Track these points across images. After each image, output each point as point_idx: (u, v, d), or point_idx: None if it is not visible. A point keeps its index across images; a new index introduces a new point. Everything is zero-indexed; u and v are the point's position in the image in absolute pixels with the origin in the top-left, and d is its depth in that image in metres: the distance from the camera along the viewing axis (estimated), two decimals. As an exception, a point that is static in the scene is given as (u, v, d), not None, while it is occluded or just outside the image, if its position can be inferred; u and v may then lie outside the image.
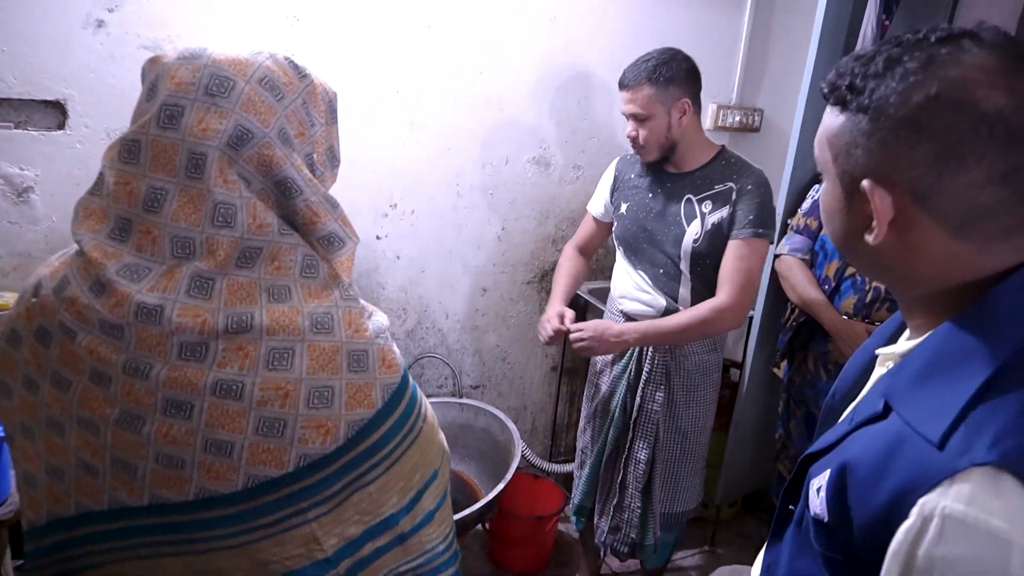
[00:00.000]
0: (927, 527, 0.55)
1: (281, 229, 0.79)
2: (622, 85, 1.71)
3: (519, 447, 2.14)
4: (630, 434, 1.84)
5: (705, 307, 1.70)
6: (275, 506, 0.76)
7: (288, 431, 0.74)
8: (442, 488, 0.89)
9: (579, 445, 2.05)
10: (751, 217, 1.69)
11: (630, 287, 1.83)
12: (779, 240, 2.20)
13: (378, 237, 2.20)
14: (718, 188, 1.72)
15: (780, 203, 2.20)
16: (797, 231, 2.15)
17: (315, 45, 1.93)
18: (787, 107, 2.46)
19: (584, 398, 2.04)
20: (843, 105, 0.65)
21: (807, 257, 2.11)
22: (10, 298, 1.68)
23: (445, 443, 0.92)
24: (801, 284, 2.06)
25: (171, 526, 0.76)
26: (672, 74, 1.66)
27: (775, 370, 2.29)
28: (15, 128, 1.70)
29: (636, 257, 1.81)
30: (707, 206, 1.71)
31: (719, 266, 1.75)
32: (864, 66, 0.63)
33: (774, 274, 2.22)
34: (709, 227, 1.70)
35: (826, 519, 0.67)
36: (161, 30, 1.76)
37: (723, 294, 1.70)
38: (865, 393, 0.75)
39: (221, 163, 0.75)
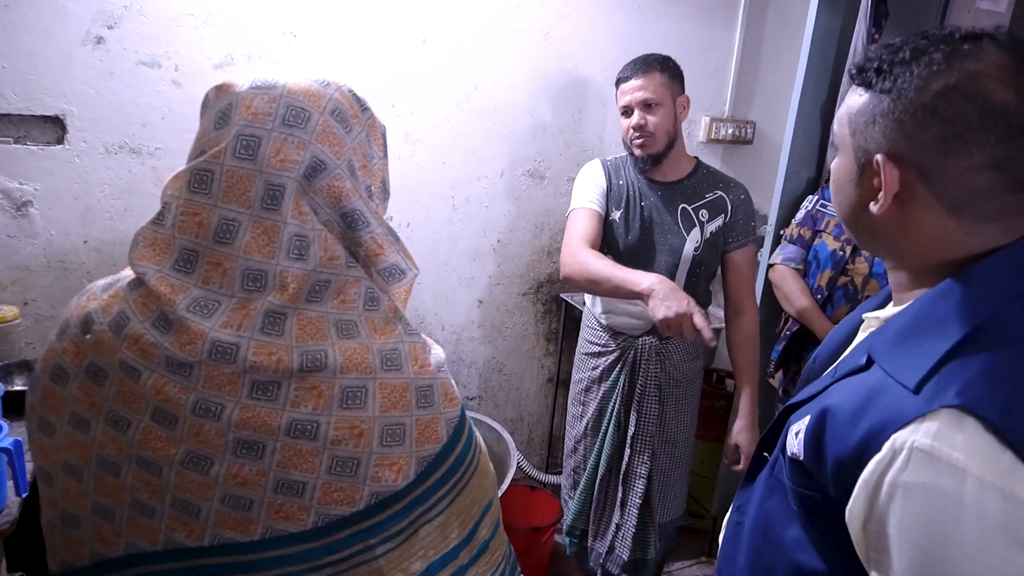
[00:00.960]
0: (896, 458, 0.63)
1: (348, 262, 0.79)
2: (626, 77, 1.69)
3: (515, 458, 2.15)
4: (627, 450, 1.82)
5: (751, 331, 1.80)
6: (344, 544, 0.76)
7: (362, 470, 0.74)
8: (495, 517, 0.90)
9: (569, 465, 2.00)
10: (752, 225, 1.79)
11: (616, 300, 1.80)
12: (773, 250, 2.22)
13: (374, 249, 2.21)
14: (709, 197, 1.75)
15: (772, 214, 2.22)
16: (791, 241, 2.17)
17: (311, 60, 1.95)
18: (779, 119, 2.49)
19: (569, 417, 1.99)
20: (868, 86, 0.71)
21: (800, 267, 2.12)
22: (8, 311, 1.70)
23: (494, 472, 0.93)
24: (795, 294, 2.08)
25: (232, 567, 0.75)
26: (676, 72, 1.72)
27: (770, 380, 2.30)
28: (14, 143, 1.72)
29: (629, 267, 1.79)
30: (704, 214, 1.74)
31: (709, 274, 1.77)
32: (893, 53, 0.69)
33: (768, 284, 2.23)
34: (708, 235, 1.73)
35: (802, 457, 0.75)
36: (160, 46, 1.78)
37: (750, 308, 1.82)
38: (849, 352, 0.83)
39: (297, 195, 0.75)
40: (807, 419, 0.76)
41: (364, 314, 0.79)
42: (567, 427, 2.02)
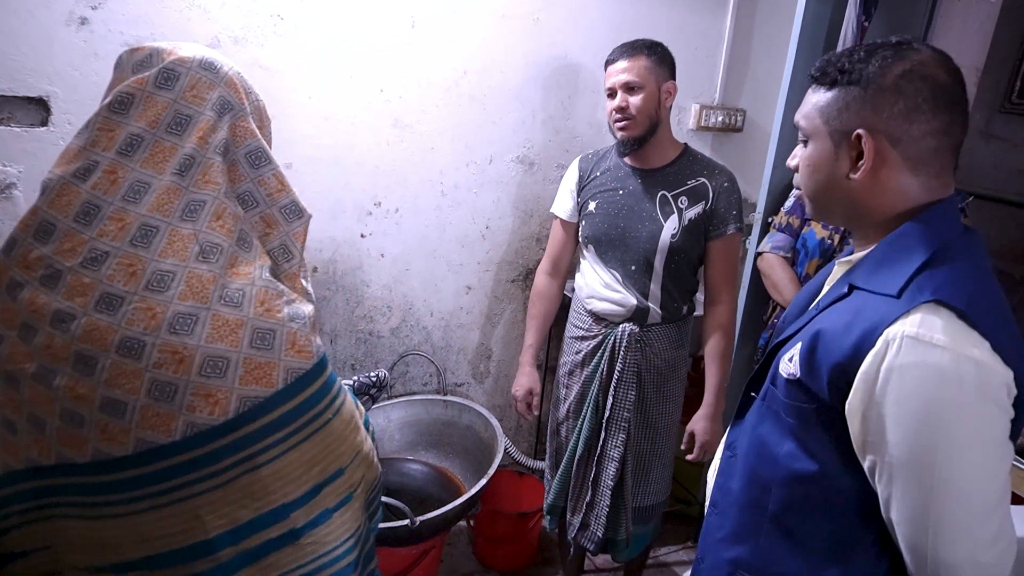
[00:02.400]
0: (889, 348, 0.80)
1: (227, 193, 0.84)
2: (612, 59, 1.71)
3: (502, 444, 2.16)
4: (603, 433, 1.84)
5: (724, 320, 1.80)
6: (162, 475, 0.76)
7: (179, 397, 0.75)
8: (347, 489, 0.88)
9: (552, 446, 2.04)
10: (734, 213, 1.74)
11: (599, 286, 1.82)
12: (761, 238, 2.23)
13: (362, 235, 2.21)
14: (691, 184, 1.74)
15: (761, 202, 2.23)
16: (779, 229, 2.17)
17: (298, 43, 1.94)
18: (768, 108, 2.49)
19: (554, 399, 2.02)
20: (832, 84, 0.89)
21: (789, 255, 2.13)
22: (-8, 294, 1.69)
23: (367, 448, 0.92)
24: (783, 282, 2.09)
25: (73, 488, 0.77)
26: (663, 56, 1.71)
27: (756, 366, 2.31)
28: (-2, 125, 1.71)
29: (607, 255, 1.80)
30: (683, 201, 1.73)
31: (690, 262, 1.77)
32: (848, 57, 0.88)
33: (756, 272, 2.24)
34: (687, 222, 1.72)
35: (798, 375, 0.91)
36: (145, 27, 1.77)
37: (726, 297, 1.80)
38: (827, 289, 1.00)
39: (204, 126, 0.81)
40: (799, 345, 0.92)
41: (234, 247, 0.82)
42: (551, 409, 2.04)
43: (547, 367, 2.65)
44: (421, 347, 2.43)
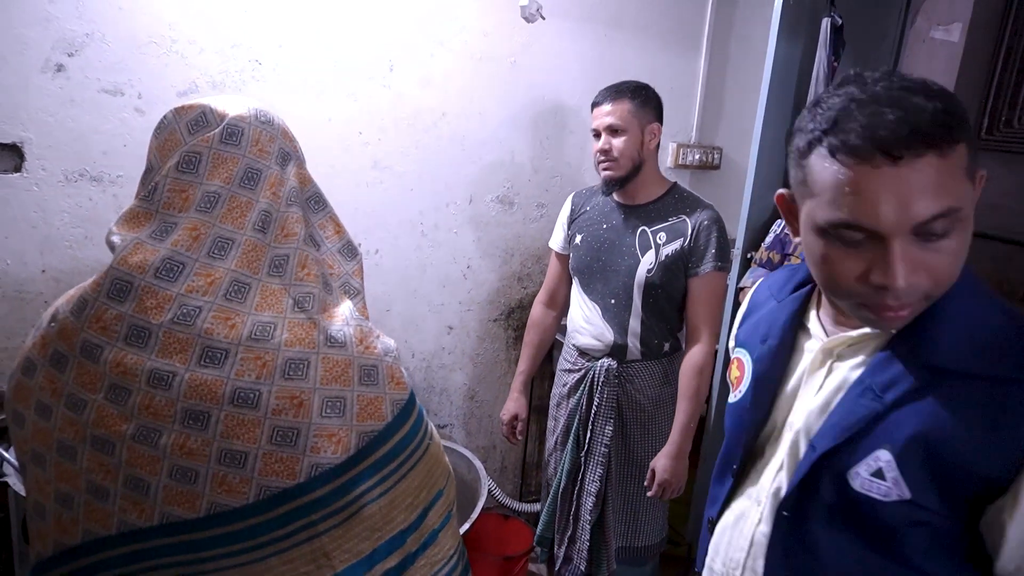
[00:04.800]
0: None
1: (305, 239, 0.85)
2: (598, 102, 1.76)
3: (485, 486, 2.12)
4: (583, 467, 1.83)
5: (698, 359, 1.75)
6: (286, 519, 0.76)
7: (301, 440, 0.76)
8: (447, 507, 0.92)
9: (544, 477, 2.06)
10: (713, 251, 1.73)
11: (581, 320, 1.85)
12: (743, 273, 2.24)
13: (342, 277, 2.19)
14: (672, 220, 1.75)
15: (740, 237, 2.24)
16: (760, 264, 2.18)
17: (276, 88, 1.95)
18: (744, 144, 2.52)
19: (546, 432, 2.04)
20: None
21: (769, 291, 2.14)
22: (-40, 343, 1.65)
23: (450, 465, 0.96)
24: (763, 318, 2.09)
25: (181, 546, 0.76)
26: (648, 99, 1.75)
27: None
28: (-29, 171, 1.69)
29: (589, 288, 1.83)
30: (661, 237, 1.74)
31: (671, 298, 1.77)
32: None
33: (738, 307, 2.24)
34: (663, 258, 1.73)
35: (908, 496, 0.73)
36: (122, 74, 1.77)
37: (704, 337, 1.77)
38: (872, 375, 0.78)
39: (273, 179, 0.83)
40: (883, 456, 0.74)
41: (321, 291, 0.84)
42: (546, 440, 2.06)
43: (531, 407, 2.62)
44: (403, 389, 2.39)
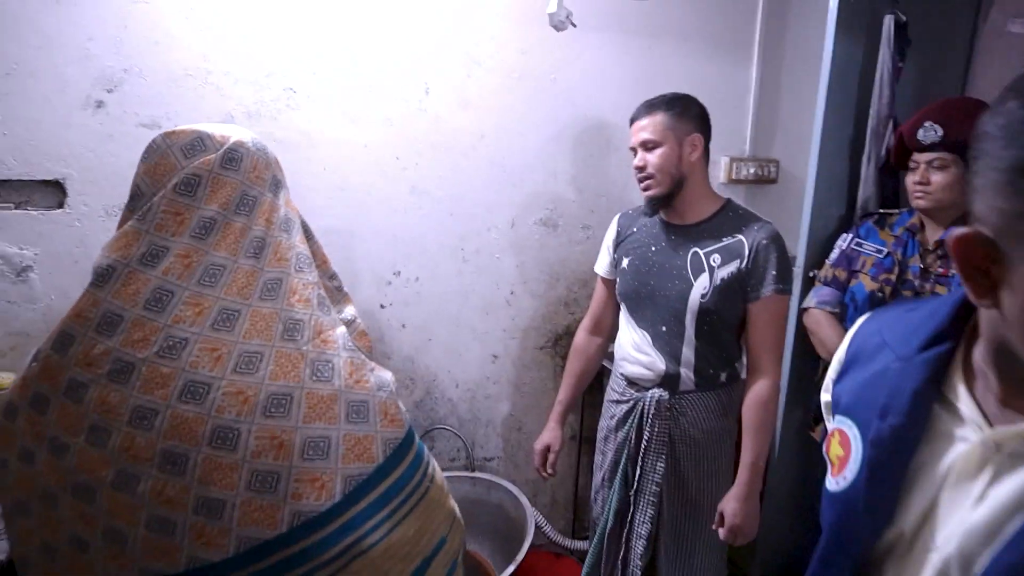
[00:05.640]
0: None
1: (297, 266, 0.82)
2: (634, 117, 1.66)
3: (532, 523, 2.01)
4: (631, 507, 1.70)
5: (762, 392, 1.60)
6: (268, 574, 0.70)
7: (282, 485, 0.70)
8: (451, 557, 0.84)
9: (592, 515, 1.92)
10: (773, 273, 1.59)
11: (630, 347, 1.72)
12: (805, 293, 2.08)
13: (382, 306, 2.15)
14: (727, 241, 1.62)
15: (800, 254, 2.09)
16: (825, 283, 2.03)
17: (311, 115, 1.93)
18: (803, 156, 2.37)
19: (593, 466, 1.91)
20: None
21: (837, 310, 1.98)
22: (6, 378, 1.66)
23: (457, 510, 0.87)
24: (831, 339, 1.92)
25: None
26: (687, 109, 1.63)
27: (811, 433, 2.13)
28: (15, 208, 1.72)
29: (638, 315, 1.71)
30: (716, 259, 1.61)
31: (727, 324, 1.63)
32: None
33: (801, 330, 2.08)
34: (719, 282, 1.59)
35: None
36: (159, 108, 1.78)
37: (767, 366, 1.61)
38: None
39: (267, 204, 0.83)
40: None
41: (316, 313, 0.79)
42: (592, 476, 1.93)
43: (582, 438, 2.50)
44: (447, 420, 2.32)
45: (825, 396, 0.86)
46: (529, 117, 2.19)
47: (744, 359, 1.71)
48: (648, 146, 1.62)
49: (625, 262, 1.74)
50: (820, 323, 1.97)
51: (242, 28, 1.82)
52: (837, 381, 0.81)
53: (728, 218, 1.66)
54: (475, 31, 2.06)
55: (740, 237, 1.61)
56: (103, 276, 0.75)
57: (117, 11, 1.71)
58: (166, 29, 1.75)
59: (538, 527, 2.31)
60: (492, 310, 2.29)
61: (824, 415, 0.88)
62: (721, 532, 1.59)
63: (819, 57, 2.01)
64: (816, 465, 2.11)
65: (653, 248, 1.70)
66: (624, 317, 1.77)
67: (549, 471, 1.87)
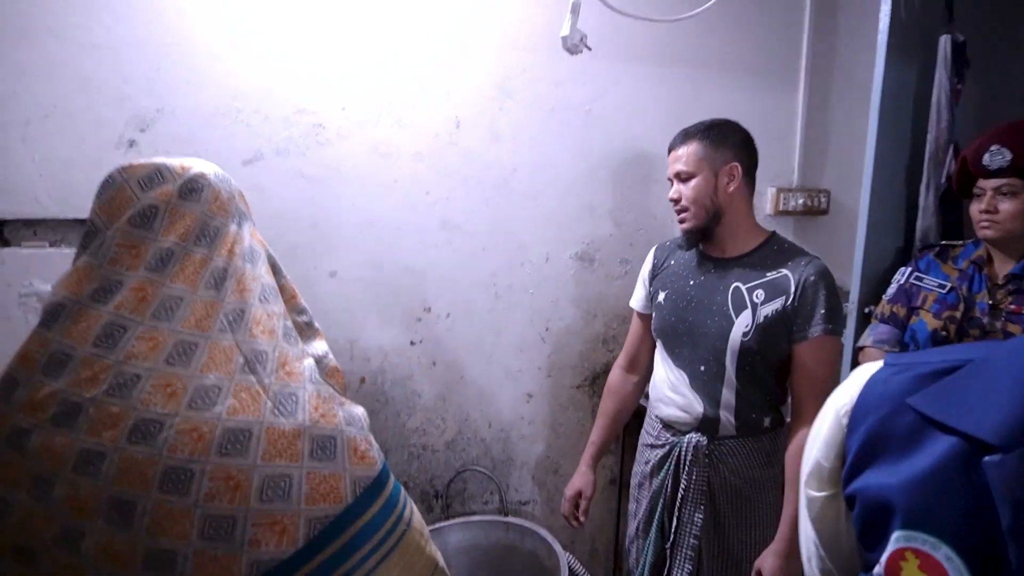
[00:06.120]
0: None
1: (262, 296, 0.78)
2: (671, 147, 1.59)
3: (566, 573, 1.89)
4: (668, 561, 1.57)
5: (806, 442, 1.44)
6: None
7: (238, 532, 0.63)
8: None
9: (625, 567, 1.81)
10: (822, 312, 1.46)
11: (665, 388, 1.62)
12: (861, 331, 1.94)
13: (412, 343, 2.09)
14: (771, 276, 1.51)
15: (854, 289, 1.95)
16: (882, 320, 1.89)
17: (340, 151, 1.92)
18: (856, 185, 2.24)
19: (628, 514, 1.79)
20: None
21: (896, 349, 1.83)
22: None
23: (439, 558, 0.79)
24: (889, 382, 1.77)
25: None
26: (724, 136, 1.54)
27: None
28: (50, 247, 1.74)
29: (675, 353, 1.60)
30: (759, 295, 1.50)
31: (771, 366, 1.51)
32: None
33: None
34: (762, 319, 1.48)
35: None
36: (190, 146, 1.79)
37: (809, 410, 1.44)
38: None
39: (231, 236, 0.79)
40: None
41: (280, 344, 0.74)
42: (628, 523, 1.81)
43: (622, 482, 2.38)
44: (479, 461, 2.23)
45: (813, 492, 0.72)
46: (563, 150, 2.13)
47: (789, 403, 1.58)
48: (682, 177, 1.54)
49: (661, 296, 1.65)
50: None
51: (272, 65, 1.83)
52: (855, 473, 0.66)
53: (773, 252, 1.55)
54: (509, 63, 2.03)
55: (786, 272, 1.50)
56: (52, 315, 0.71)
57: (151, 52, 1.73)
58: (197, 68, 1.77)
59: (576, 576, 2.19)
60: (526, 347, 2.21)
61: (805, 509, 0.74)
62: None
63: (870, 82, 1.90)
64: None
65: (692, 282, 1.60)
66: (660, 355, 1.67)
67: (581, 518, 1.76)
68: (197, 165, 0.81)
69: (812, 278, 1.47)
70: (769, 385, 1.54)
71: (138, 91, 1.74)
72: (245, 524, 0.63)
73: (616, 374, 1.84)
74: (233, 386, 0.68)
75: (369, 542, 0.68)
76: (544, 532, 2.09)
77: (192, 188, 0.76)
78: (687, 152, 1.53)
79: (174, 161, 0.81)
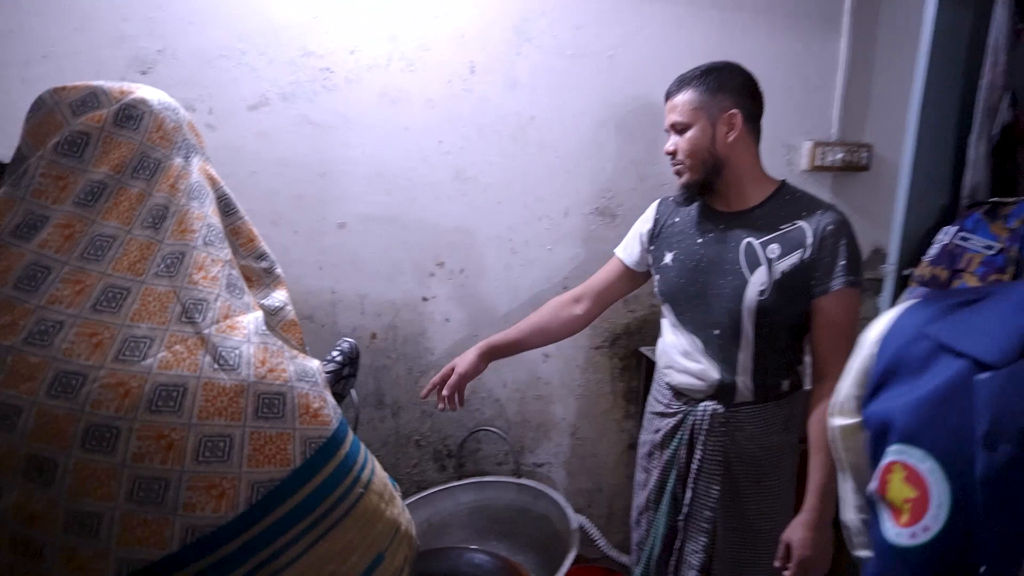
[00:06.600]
0: None
1: (207, 240, 0.71)
2: (666, 95, 1.48)
3: (576, 540, 1.84)
4: (680, 533, 1.50)
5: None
6: None
7: (171, 494, 0.58)
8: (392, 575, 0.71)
9: (634, 539, 1.72)
10: (843, 263, 1.36)
11: (676, 354, 1.52)
12: (897, 294, 1.82)
13: (424, 298, 2.03)
14: (785, 228, 1.40)
15: (894, 250, 1.83)
16: (922, 283, 1.77)
17: (348, 97, 1.84)
18: (900, 140, 2.09)
19: (635, 484, 1.71)
20: None
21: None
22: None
23: (404, 520, 0.74)
24: (926, 349, 1.66)
25: None
26: (722, 82, 1.41)
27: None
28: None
29: (686, 316, 1.50)
30: (774, 250, 1.39)
31: (790, 325, 1.41)
32: None
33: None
34: (779, 276, 1.38)
35: None
36: (194, 90, 1.73)
37: (835, 371, 1.30)
38: None
39: (175, 170, 0.73)
40: None
41: (223, 295, 0.67)
42: (633, 494, 1.72)
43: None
44: (494, 422, 2.18)
45: (841, 420, 0.75)
46: (584, 98, 2.02)
47: (807, 363, 1.48)
48: (678, 128, 1.44)
49: (668, 257, 1.54)
50: (915, 329, 1.71)
51: (277, 5, 1.74)
52: (871, 398, 0.68)
53: (785, 202, 1.44)
54: (525, 4, 1.91)
55: (801, 224, 1.39)
56: None
57: (152, -10, 1.66)
58: (200, 8, 1.70)
59: (591, 540, 2.15)
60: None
61: (837, 441, 0.76)
62: (789, 567, 1.37)
63: (919, 25, 1.74)
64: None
65: (700, 240, 1.49)
66: (668, 321, 1.57)
67: (444, 392, 1.56)
68: (140, 91, 0.74)
69: (831, 227, 1.37)
70: (787, 346, 1.44)
71: (138, 31, 1.67)
72: (179, 486, 0.58)
73: (559, 298, 1.70)
74: (167, 337, 0.63)
75: (320, 507, 0.64)
76: (557, 495, 2.04)
77: (130, 115, 0.70)
78: (682, 101, 1.42)
79: (114, 85, 0.73)
